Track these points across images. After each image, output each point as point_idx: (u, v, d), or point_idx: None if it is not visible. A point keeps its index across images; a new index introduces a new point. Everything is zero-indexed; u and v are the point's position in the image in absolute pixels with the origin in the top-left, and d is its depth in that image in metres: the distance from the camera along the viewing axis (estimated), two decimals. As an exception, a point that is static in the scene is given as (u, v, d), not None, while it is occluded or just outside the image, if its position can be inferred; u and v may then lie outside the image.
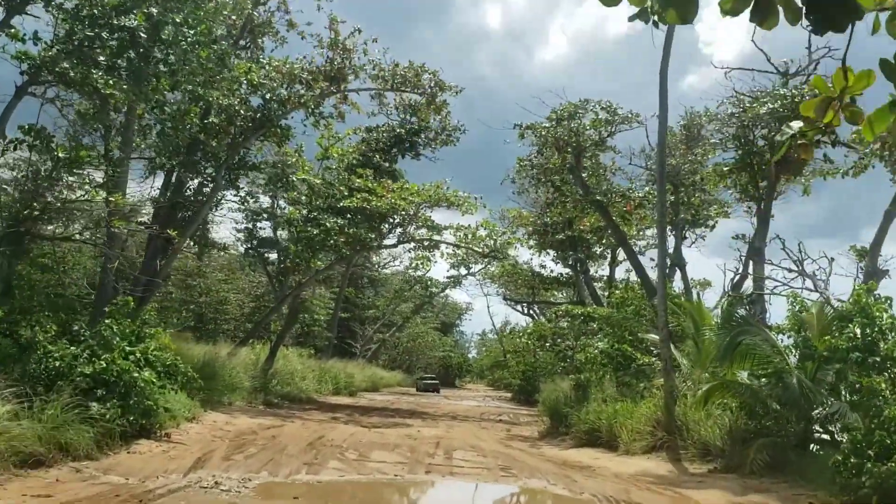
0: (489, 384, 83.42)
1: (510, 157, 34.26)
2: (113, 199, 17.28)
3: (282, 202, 32.45)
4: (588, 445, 17.34)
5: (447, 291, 63.71)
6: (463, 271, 49.10)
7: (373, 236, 27.95)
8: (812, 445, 13.73)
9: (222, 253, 48.33)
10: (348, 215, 27.66)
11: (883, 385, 10.75)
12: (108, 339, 12.11)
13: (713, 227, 31.47)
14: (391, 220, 28.42)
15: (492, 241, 29.88)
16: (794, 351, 14.95)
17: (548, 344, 26.11)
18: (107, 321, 12.51)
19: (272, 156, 28.45)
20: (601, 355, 21.47)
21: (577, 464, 14.69)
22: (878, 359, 10.74)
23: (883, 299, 11.38)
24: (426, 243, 31.19)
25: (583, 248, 35.63)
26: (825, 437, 13.77)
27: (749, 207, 24.46)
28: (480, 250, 30.43)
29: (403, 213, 28.15)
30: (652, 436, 15.65)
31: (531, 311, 56.75)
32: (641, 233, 36.06)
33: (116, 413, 11.23)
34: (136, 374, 11.99)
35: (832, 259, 20.55)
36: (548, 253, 39.47)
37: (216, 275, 38.42)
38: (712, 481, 12.40)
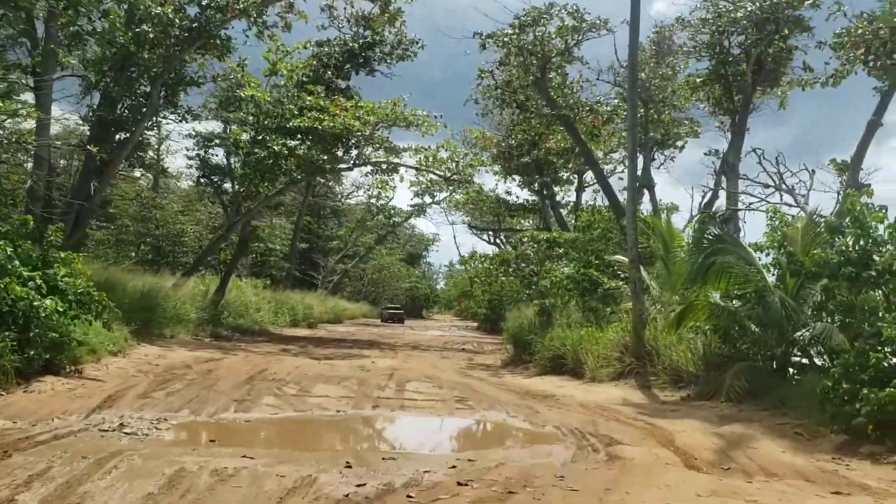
0: (456, 314, 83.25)
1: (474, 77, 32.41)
2: (22, 109, 15.47)
3: (232, 126, 30.44)
4: (552, 373, 16.27)
5: (412, 222, 62.49)
6: (427, 200, 47.81)
7: (325, 158, 26.14)
8: (792, 370, 12.77)
9: (178, 183, 46.19)
10: (299, 136, 25.81)
11: (878, 302, 9.62)
12: (0, 264, 10.49)
13: (682, 147, 30.28)
14: (345, 141, 26.58)
15: (454, 164, 28.34)
16: (772, 269, 13.90)
17: (511, 269, 24.92)
18: (0, 243, 10.84)
19: (216, 71, 26.31)
20: (567, 280, 20.50)
21: (541, 393, 13.57)
22: (873, 273, 9.57)
23: (877, 207, 10.17)
24: (384, 166, 29.57)
25: (548, 172, 34.25)
26: (805, 361, 12.82)
27: (722, 123, 23.11)
28: (442, 174, 28.90)
29: (358, 133, 26.35)
30: (620, 362, 14.58)
31: (497, 240, 55.66)
32: (609, 157, 34.79)
33: (7, 346, 9.71)
34: (36, 303, 10.44)
35: (813, 171, 19.39)
36: (513, 179, 38.14)
37: (173, 206, 36.66)
38: (687, 410, 11.34)
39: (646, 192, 27.57)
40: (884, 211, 10.04)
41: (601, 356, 14.96)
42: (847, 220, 10.33)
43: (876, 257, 9.86)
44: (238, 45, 23.31)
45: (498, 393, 13.38)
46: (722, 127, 23.02)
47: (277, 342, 24.36)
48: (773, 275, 13.69)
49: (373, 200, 52.41)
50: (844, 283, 10.11)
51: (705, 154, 23.70)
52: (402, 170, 29.68)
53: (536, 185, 36.26)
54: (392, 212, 51.27)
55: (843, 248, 10.24)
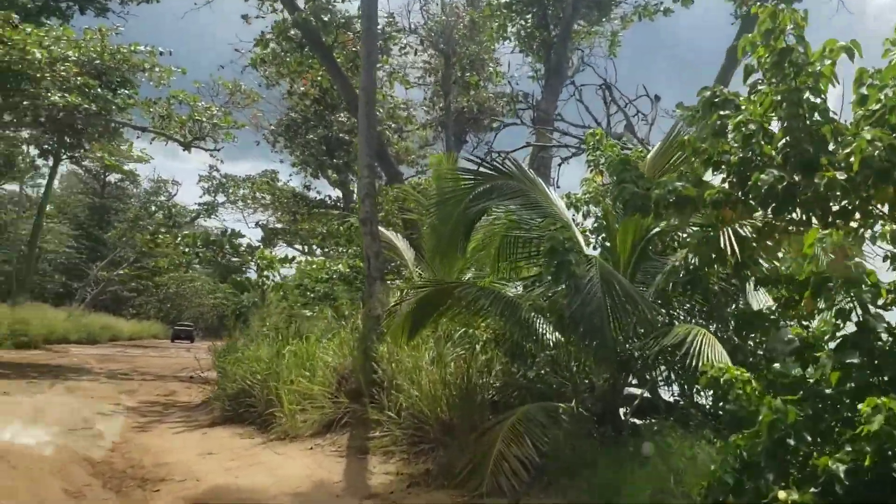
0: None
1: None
2: None
3: None
4: (233, 421, 9.48)
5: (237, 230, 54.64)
6: (221, 198, 40.69)
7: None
8: (625, 413, 6.76)
9: None
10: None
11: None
12: None
13: (499, 129, 24.52)
14: (13, 81, 18.01)
15: (196, 125, 21.06)
16: (593, 238, 8.02)
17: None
18: None
19: None
20: (337, 279, 15.67)
21: (145, 474, 6.73)
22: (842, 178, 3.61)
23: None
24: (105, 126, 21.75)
25: (341, 154, 27.64)
26: (648, 395, 6.87)
27: (536, 71, 17.41)
28: (182, 138, 21.49)
29: (46, 72, 18.30)
30: (334, 402, 8.06)
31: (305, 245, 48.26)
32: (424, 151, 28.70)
33: None
34: None
35: (657, 98, 13.86)
36: (309, 167, 31.31)
37: None
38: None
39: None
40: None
41: (305, 394, 8.36)
42: (768, 67, 4.24)
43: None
44: None
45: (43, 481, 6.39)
46: (535, 76, 17.32)
47: None
48: (595, 248, 7.82)
49: (153, 197, 44.22)
50: (775, 214, 4.00)
51: (512, 100, 17.72)
52: (129, 135, 22.12)
53: (335, 173, 29.84)
54: (173, 210, 42.81)
55: (742, 136, 4.18)
